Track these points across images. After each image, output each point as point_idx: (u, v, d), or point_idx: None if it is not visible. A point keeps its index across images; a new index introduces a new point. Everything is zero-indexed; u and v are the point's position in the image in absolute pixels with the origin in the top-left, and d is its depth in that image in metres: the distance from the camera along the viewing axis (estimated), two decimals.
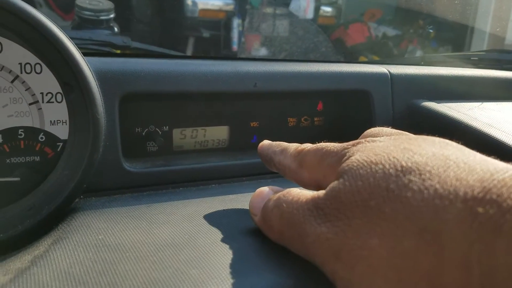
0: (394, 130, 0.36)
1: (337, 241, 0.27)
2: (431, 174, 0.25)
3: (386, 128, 0.37)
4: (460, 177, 0.24)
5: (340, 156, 0.32)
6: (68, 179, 0.43)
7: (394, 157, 0.27)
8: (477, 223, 0.21)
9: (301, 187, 0.36)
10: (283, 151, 0.40)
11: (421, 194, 0.24)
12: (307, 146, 0.37)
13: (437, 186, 0.24)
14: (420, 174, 0.25)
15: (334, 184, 0.29)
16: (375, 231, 0.25)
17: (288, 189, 0.34)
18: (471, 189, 0.22)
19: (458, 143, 0.30)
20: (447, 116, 0.62)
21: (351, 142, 0.33)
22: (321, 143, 0.36)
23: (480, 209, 0.21)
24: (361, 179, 0.27)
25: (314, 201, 0.30)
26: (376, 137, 0.34)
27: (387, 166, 0.27)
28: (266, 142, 0.45)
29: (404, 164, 0.26)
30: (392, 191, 0.25)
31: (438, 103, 0.66)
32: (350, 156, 0.30)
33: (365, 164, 0.28)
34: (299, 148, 0.38)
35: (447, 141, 0.29)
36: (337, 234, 0.27)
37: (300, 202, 0.31)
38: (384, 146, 0.30)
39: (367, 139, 0.33)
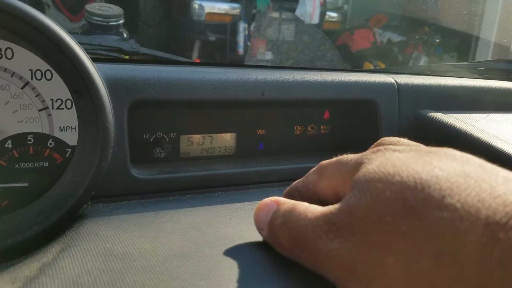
0: (412, 142, 0.35)
1: (350, 257, 0.26)
2: (452, 191, 0.24)
3: (404, 139, 0.36)
4: (481, 197, 0.23)
5: (358, 163, 0.31)
6: (76, 185, 0.43)
7: (413, 169, 0.26)
8: (498, 249, 0.21)
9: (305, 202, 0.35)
10: (306, 175, 0.39)
11: (440, 212, 0.23)
12: (328, 160, 0.37)
13: (458, 205, 0.23)
14: (440, 190, 0.24)
15: (348, 197, 0.28)
16: (391, 249, 0.24)
17: (293, 203, 0.33)
18: (493, 213, 0.22)
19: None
20: (453, 127, 0.62)
21: (370, 150, 0.32)
22: (342, 155, 0.35)
23: (502, 235, 0.21)
24: (377, 191, 0.26)
25: (325, 216, 0.29)
26: (396, 145, 0.33)
27: (405, 178, 0.26)
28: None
29: (423, 177, 0.25)
30: (410, 206, 0.24)
31: (444, 113, 0.66)
32: (367, 165, 0.30)
33: (381, 175, 0.27)
34: (321, 162, 0.37)
35: (469, 156, 0.28)
36: (350, 250, 0.26)
37: (309, 219, 0.30)
38: (404, 158, 0.29)
39: (387, 147, 0.32)
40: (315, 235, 0.28)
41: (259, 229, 0.36)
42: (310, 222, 0.30)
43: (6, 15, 0.39)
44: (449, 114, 0.66)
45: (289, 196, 0.40)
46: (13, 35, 0.41)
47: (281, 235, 0.32)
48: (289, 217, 0.32)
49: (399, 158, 0.29)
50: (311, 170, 0.39)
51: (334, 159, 0.36)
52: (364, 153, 0.33)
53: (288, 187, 0.42)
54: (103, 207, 0.46)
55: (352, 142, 0.68)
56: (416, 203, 0.24)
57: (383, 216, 0.25)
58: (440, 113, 0.66)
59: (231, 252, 0.35)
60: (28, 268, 0.34)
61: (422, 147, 0.32)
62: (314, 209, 0.31)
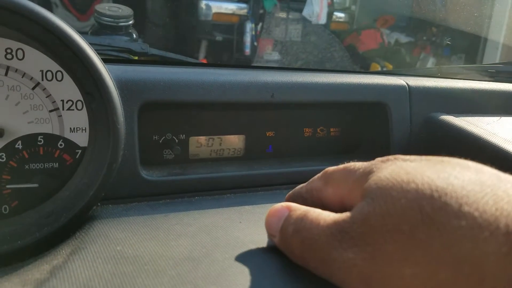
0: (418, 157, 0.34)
1: (366, 267, 0.25)
2: (469, 199, 0.23)
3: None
4: (499, 206, 0.23)
5: (367, 172, 0.30)
6: (87, 187, 0.43)
7: (428, 177, 0.26)
8: None
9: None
10: (310, 180, 0.39)
11: (459, 221, 0.23)
12: (334, 167, 0.36)
13: (476, 214, 0.22)
14: (457, 198, 0.24)
15: (361, 205, 0.27)
16: (408, 259, 0.24)
17: (305, 209, 0.32)
18: None
19: (476, 158, 0.29)
20: (465, 130, 0.61)
21: (379, 159, 0.32)
22: (349, 163, 0.34)
23: None
24: (392, 200, 0.25)
25: (338, 225, 0.28)
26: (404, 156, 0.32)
27: (420, 185, 0.25)
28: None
29: (439, 184, 0.25)
30: (427, 214, 0.24)
31: (456, 116, 0.65)
32: (378, 173, 0.29)
33: (395, 182, 0.26)
34: (326, 169, 0.37)
35: (481, 165, 0.28)
36: (366, 260, 0.25)
37: (321, 227, 0.29)
38: (417, 166, 0.28)
39: (396, 156, 0.31)
40: (329, 244, 0.28)
41: (271, 236, 0.35)
42: (323, 230, 0.29)
43: (18, 16, 0.39)
44: (460, 117, 0.65)
45: (292, 201, 0.39)
46: (25, 36, 0.41)
47: (294, 243, 0.31)
48: (302, 224, 0.31)
49: (411, 166, 0.28)
50: (316, 176, 0.38)
51: (341, 166, 0.35)
52: (372, 162, 0.32)
53: (290, 192, 0.41)
54: (113, 209, 0.46)
55: (362, 145, 0.68)
56: (433, 211, 0.24)
57: (399, 225, 0.24)
58: (452, 116, 0.65)
59: (242, 257, 0.35)
60: (38, 270, 0.34)
61: (433, 157, 0.31)
62: (326, 216, 0.30)
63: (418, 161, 0.29)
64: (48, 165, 0.45)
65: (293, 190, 0.41)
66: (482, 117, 0.67)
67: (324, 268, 0.28)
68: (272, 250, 0.36)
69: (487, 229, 0.22)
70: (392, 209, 0.25)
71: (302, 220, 0.31)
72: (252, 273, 0.32)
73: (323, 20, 3.34)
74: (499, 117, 0.68)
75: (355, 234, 0.26)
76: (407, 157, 0.31)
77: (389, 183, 0.27)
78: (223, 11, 3.06)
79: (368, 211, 0.26)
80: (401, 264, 0.24)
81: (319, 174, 0.37)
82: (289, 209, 0.34)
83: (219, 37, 3.05)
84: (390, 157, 0.31)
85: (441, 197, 0.24)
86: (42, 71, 0.43)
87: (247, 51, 3.05)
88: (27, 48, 0.42)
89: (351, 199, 0.32)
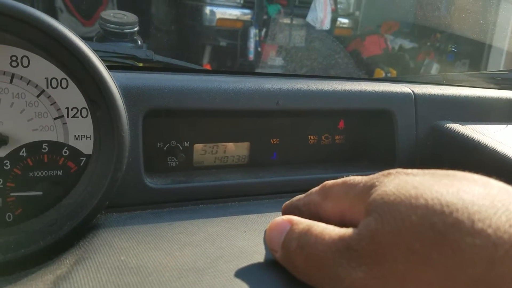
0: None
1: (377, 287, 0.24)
2: (481, 215, 0.23)
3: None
4: None
5: (369, 186, 0.30)
6: (91, 195, 0.43)
7: (436, 191, 0.25)
8: None
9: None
10: (307, 193, 0.38)
11: (472, 239, 0.22)
12: (333, 181, 0.35)
13: (490, 231, 0.22)
14: (469, 214, 0.23)
15: (368, 221, 0.26)
16: (421, 280, 0.23)
17: (308, 223, 0.31)
18: None
19: (483, 167, 0.28)
20: (471, 138, 0.61)
21: (381, 173, 0.31)
22: (348, 177, 0.34)
23: None
24: (401, 216, 0.25)
25: (344, 241, 0.27)
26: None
27: (430, 201, 0.24)
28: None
29: (449, 199, 0.24)
30: (439, 232, 0.23)
31: (462, 124, 0.65)
32: (382, 187, 0.28)
33: (403, 198, 0.25)
34: (324, 182, 0.36)
35: (487, 178, 0.27)
36: (377, 280, 0.24)
37: (327, 242, 0.28)
38: (422, 180, 0.27)
39: (398, 170, 0.30)
40: (335, 261, 0.27)
41: (272, 251, 0.34)
42: (328, 246, 0.28)
43: (22, 23, 0.38)
44: (466, 125, 0.65)
45: (288, 213, 0.38)
46: (30, 43, 0.41)
47: (297, 259, 0.30)
48: (305, 239, 0.30)
49: (417, 180, 0.27)
50: (314, 190, 0.37)
51: (340, 180, 0.34)
52: (373, 176, 0.31)
53: (287, 202, 0.40)
54: (117, 217, 0.46)
55: (367, 152, 0.67)
56: (445, 228, 0.23)
57: (411, 243, 0.24)
58: (458, 124, 0.65)
59: (247, 268, 0.34)
60: (42, 280, 0.34)
61: (436, 171, 0.30)
62: (331, 231, 0.29)
63: (422, 175, 0.28)
64: (52, 173, 0.45)
65: (290, 201, 0.40)
66: (488, 125, 0.67)
67: (331, 286, 0.27)
68: (276, 261, 0.35)
69: (501, 248, 0.21)
70: (402, 227, 0.24)
71: (306, 235, 0.30)
72: (256, 286, 0.32)
73: (327, 26, 3.34)
74: (505, 125, 0.68)
75: (364, 252, 0.25)
76: (409, 170, 0.30)
77: (397, 198, 0.26)
78: (227, 16, 3.07)
79: (376, 228, 0.25)
80: (415, 285, 0.23)
81: (317, 188, 0.36)
82: (291, 222, 0.33)
83: (223, 43, 3.06)
84: (392, 171, 0.30)
85: (453, 213, 0.23)
86: (47, 78, 0.43)
87: (251, 56, 3.06)
88: (32, 56, 0.42)
89: (352, 214, 0.31)
